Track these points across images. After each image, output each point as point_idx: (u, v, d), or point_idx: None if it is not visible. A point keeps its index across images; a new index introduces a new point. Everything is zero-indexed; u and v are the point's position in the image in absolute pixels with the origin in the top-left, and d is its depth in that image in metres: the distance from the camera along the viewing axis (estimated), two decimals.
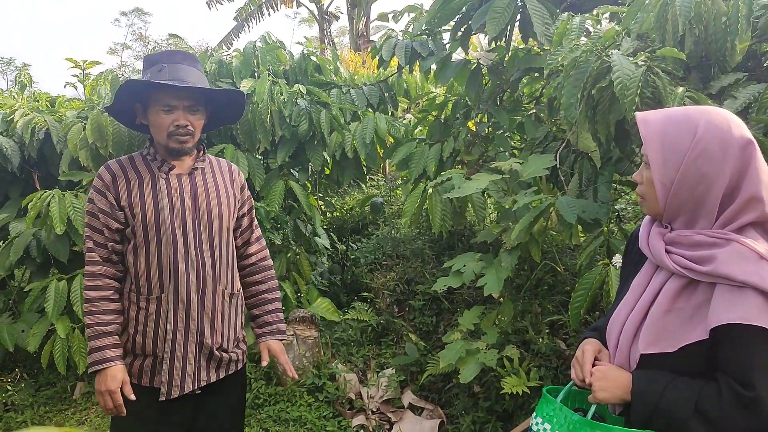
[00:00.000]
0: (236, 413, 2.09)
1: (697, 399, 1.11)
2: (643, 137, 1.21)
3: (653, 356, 1.18)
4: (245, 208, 2.08)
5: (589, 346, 1.37)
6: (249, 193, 2.11)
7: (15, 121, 3.65)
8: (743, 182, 1.14)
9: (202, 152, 1.96)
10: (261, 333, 2.10)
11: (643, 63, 1.93)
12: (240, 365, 2.05)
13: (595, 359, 1.34)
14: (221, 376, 1.97)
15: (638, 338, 1.22)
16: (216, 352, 1.92)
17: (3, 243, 3.56)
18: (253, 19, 13.97)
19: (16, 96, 4.24)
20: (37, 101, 4.14)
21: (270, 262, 2.16)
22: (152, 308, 1.85)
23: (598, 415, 1.31)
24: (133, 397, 1.79)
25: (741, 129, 1.16)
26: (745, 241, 1.13)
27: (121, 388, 1.78)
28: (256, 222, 2.14)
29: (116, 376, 1.77)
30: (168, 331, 1.84)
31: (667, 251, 1.21)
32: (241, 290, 2.07)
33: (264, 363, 2.07)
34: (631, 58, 1.96)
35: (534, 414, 1.36)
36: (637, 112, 1.26)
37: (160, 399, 1.85)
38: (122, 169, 1.86)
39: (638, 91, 1.85)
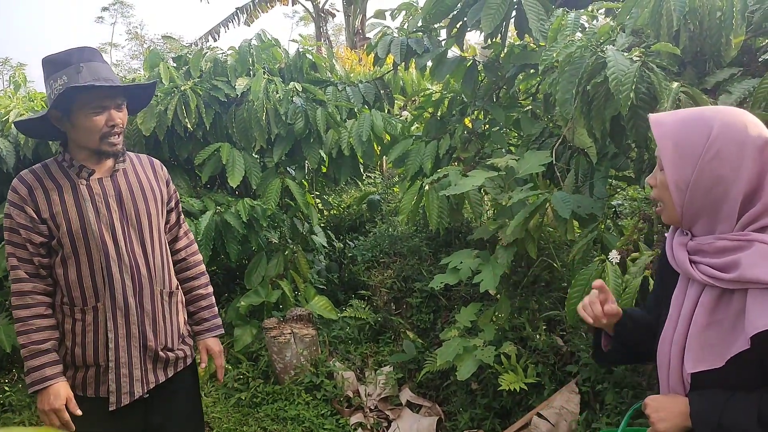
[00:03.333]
0: (191, 409, 2.06)
1: (758, 411, 1.08)
2: (657, 139, 1.17)
3: (705, 373, 1.14)
4: (172, 203, 2.03)
5: (594, 293, 1.36)
6: (174, 187, 2.06)
7: (10, 121, 3.64)
8: (765, 183, 1.10)
9: (121, 151, 1.88)
10: (198, 331, 2.08)
11: (637, 58, 1.93)
12: (189, 360, 2.02)
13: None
14: (170, 375, 1.94)
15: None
16: (161, 353, 1.89)
17: None
18: (242, 14, 13.84)
19: (11, 96, 4.22)
20: (32, 101, 4.12)
21: (199, 256, 2.13)
22: (89, 319, 1.79)
23: None
24: (79, 412, 1.74)
25: (759, 128, 1.11)
26: (767, 238, 1.09)
27: (66, 405, 1.73)
28: (183, 216, 2.11)
29: (59, 393, 1.72)
30: (109, 340, 1.79)
31: (692, 261, 1.17)
32: (179, 287, 2.04)
33: (203, 365, 2.07)
34: (626, 54, 1.96)
35: None
36: (650, 114, 1.22)
37: (110, 409, 1.79)
38: (38, 180, 1.75)
39: (633, 87, 1.85)
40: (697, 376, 1.16)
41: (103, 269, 1.78)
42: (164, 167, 2.03)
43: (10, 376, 3.78)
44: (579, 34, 2.33)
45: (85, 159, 1.80)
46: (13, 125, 3.60)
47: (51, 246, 1.78)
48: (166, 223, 2.00)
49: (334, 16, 15.88)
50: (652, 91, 1.91)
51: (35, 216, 1.73)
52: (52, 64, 1.75)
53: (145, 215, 1.86)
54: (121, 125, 1.78)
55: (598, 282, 1.34)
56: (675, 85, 1.87)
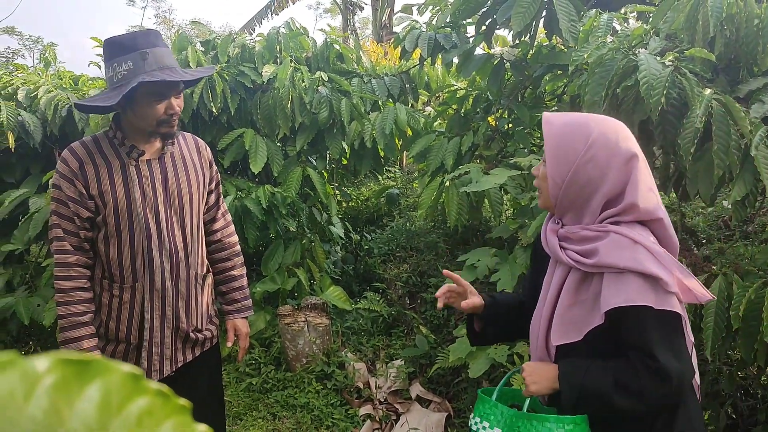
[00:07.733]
0: (213, 388, 2.10)
1: (614, 374, 1.22)
2: (544, 136, 1.32)
3: (568, 347, 1.31)
4: (212, 184, 2.04)
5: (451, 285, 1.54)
6: (216, 168, 2.07)
7: (39, 97, 3.69)
8: (626, 190, 1.26)
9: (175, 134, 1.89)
10: (229, 310, 2.11)
11: (670, 63, 1.91)
12: (214, 341, 2.06)
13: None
14: (197, 354, 1.98)
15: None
16: (191, 334, 1.93)
17: (22, 218, 3.60)
18: (272, 8, 13.88)
19: (40, 73, 4.27)
20: (61, 79, 4.17)
21: (235, 237, 2.14)
22: (126, 297, 1.82)
23: (531, 409, 1.39)
24: None
25: (628, 142, 1.27)
26: (621, 230, 1.24)
27: None
28: (222, 198, 2.12)
29: None
30: (145, 320, 1.83)
31: (562, 247, 1.33)
32: (210, 269, 2.07)
33: (229, 343, 2.09)
34: (658, 58, 1.94)
35: (472, 415, 1.43)
36: (545, 113, 1.36)
37: None
38: (89, 155, 1.77)
39: (664, 92, 1.83)
40: (560, 348, 1.33)
41: (144, 251, 1.81)
42: (208, 148, 2.04)
43: (27, 349, 3.85)
44: (610, 37, 2.30)
45: (137, 139, 1.82)
46: (41, 102, 3.65)
47: (95, 222, 1.80)
48: (205, 204, 2.02)
49: (362, 8, 15.85)
50: (683, 97, 1.89)
51: (84, 191, 1.75)
52: (117, 46, 1.75)
53: (188, 200, 1.89)
54: (179, 112, 1.80)
55: (445, 271, 1.55)
56: (708, 91, 1.85)
